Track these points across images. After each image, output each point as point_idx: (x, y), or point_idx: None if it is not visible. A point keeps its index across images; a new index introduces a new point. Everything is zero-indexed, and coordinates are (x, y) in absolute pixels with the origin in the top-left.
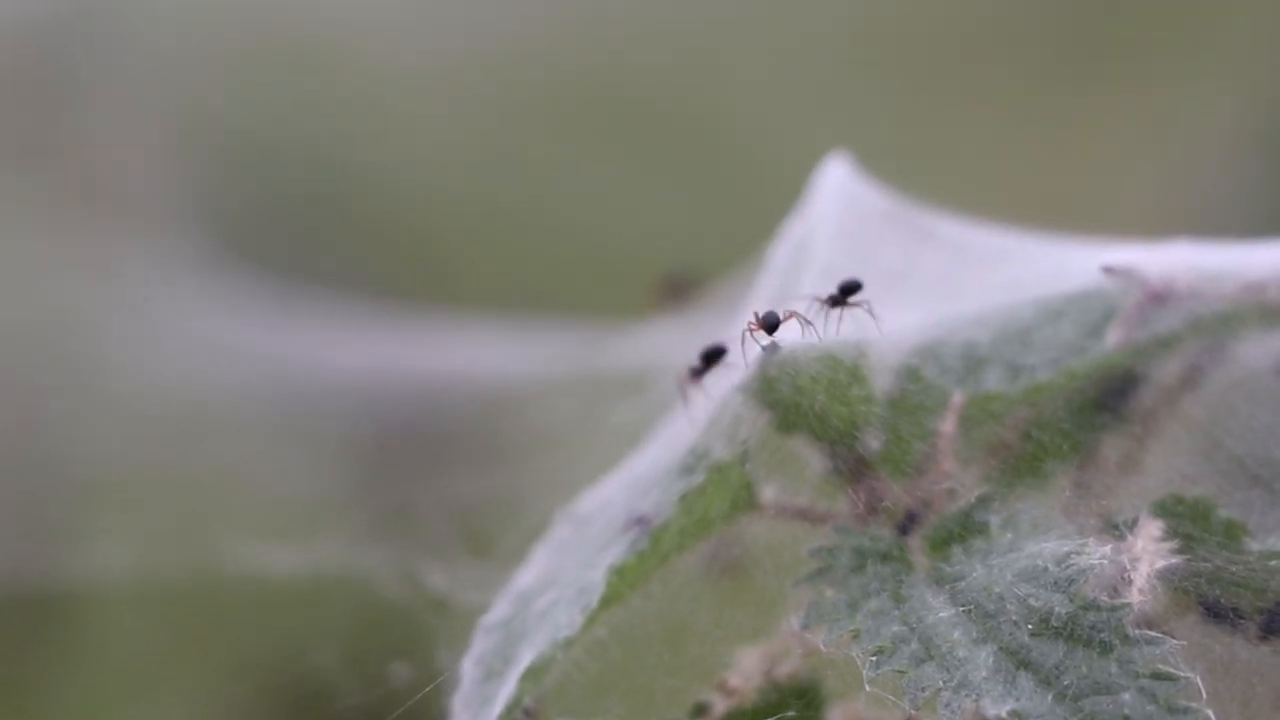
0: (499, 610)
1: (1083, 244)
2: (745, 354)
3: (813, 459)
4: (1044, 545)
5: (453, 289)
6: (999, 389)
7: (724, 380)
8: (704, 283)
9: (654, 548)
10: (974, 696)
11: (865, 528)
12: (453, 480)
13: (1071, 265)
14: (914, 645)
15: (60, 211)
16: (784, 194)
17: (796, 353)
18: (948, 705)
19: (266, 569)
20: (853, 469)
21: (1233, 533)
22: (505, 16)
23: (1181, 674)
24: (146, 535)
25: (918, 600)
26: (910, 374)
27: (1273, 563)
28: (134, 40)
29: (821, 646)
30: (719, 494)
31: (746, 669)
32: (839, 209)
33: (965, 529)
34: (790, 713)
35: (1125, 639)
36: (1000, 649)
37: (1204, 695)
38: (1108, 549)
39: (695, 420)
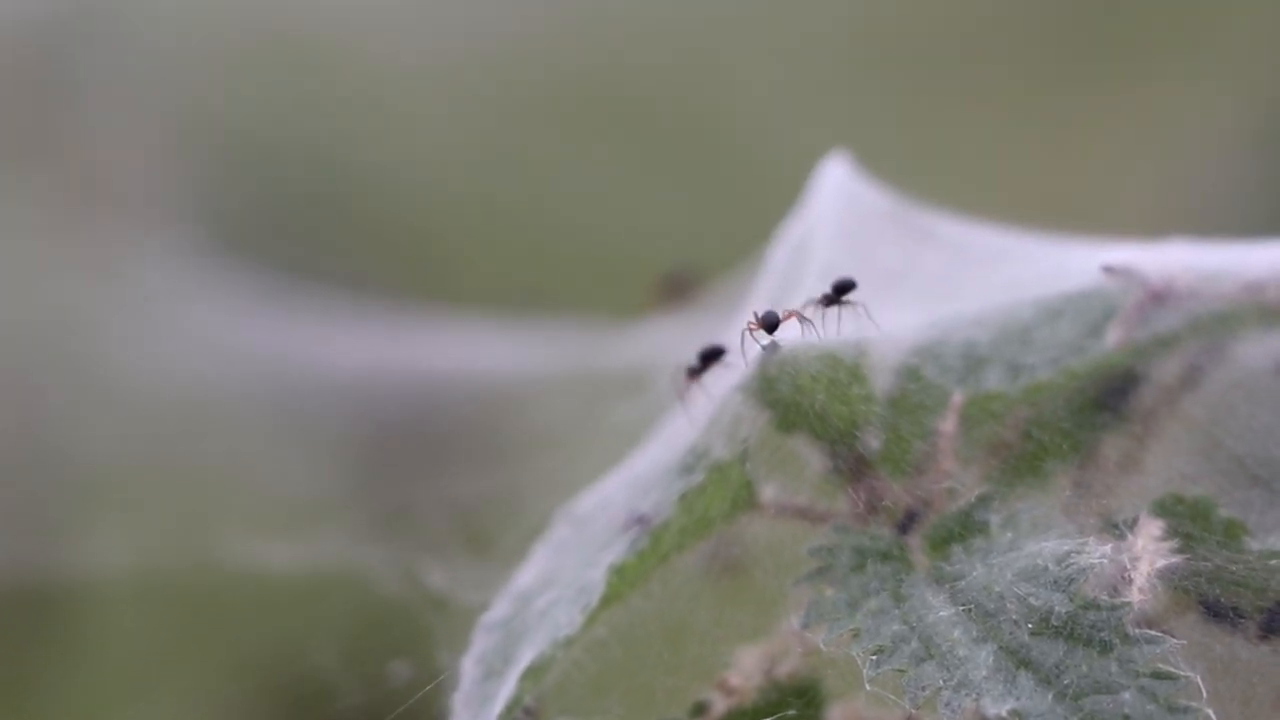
0: (499, 609)
1: (1082, 244)
2: (745, 353)
3: (813, 458)
4: (1044, 544)
5: (453, 288)
6: (999, 388)
7: (724, 379)
8: (704, 282)
9: (654, 547)
10: (974, 695)
11: (865, 527)
12: (452, 479)
13: (1071, 265)
14: (914, 644)
15: (60, 210)
16: (784, 194)
17: (797, 352)
18: (948, 704)
19: (266, 567)
20: (853, 468)
21: (1232, 532)
22: (505, 16)
23: (1182, 673)
24: (146, 533)
25: (918, 599)
26: (910, 373)
27: (1273, 562)
28: (134, 40)
29: (821, 645)
30: (719, 493)
31: (746, 668)
32: (839, 208)
33: (965, 528)
34: (790, 712)
35: (1125, 638)
36: (1000, 648)
37: (1204, 694)
38: (1108, 548)
39: (695, 419)
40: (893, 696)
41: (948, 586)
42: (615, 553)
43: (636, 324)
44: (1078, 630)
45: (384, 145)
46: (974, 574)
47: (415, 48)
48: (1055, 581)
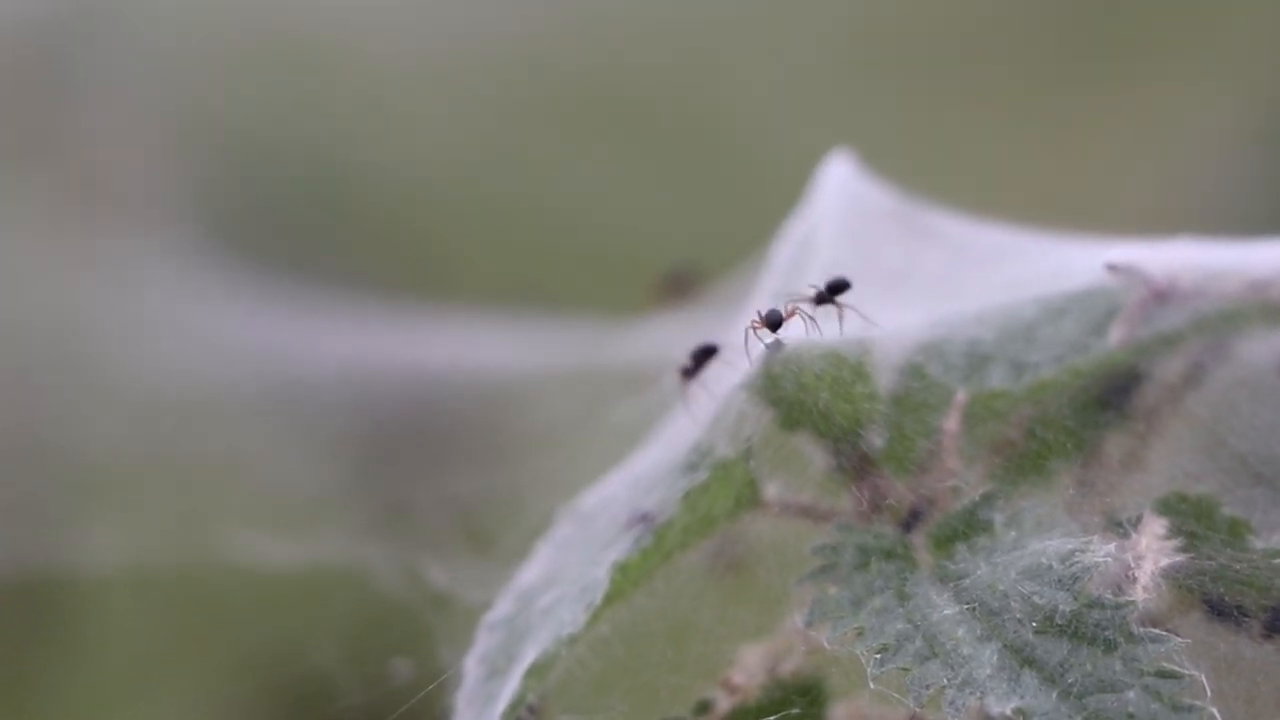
0: (502, 607)
1: (1085, 242)
2: (749, 351)
3: (816, 456)
4: (1048, 543)
5: (453, 287)
6: (1003, 386)
7: (727, 378)
8: (705, 280)
9: (658, 545)
10: (978, 694)
11: (869, 525)
12: (453, 477)
13: (1074, 263)
14: (918, 643)
15: (60, 209)
16: (784, 193)
17: (800, 350)
18: (952, 703)
19: (267, 565)
20: (857, 466)
21: (1236, 531)
22: (505, 16)
23: (1186, 672)
24: (147, 531)
25: (922, 598)
26: (914, 371)
27: (1276, 561)
28: (134, 40)
29: (825, 644)
30: (723, 491)
31: (750, 666)
32: (842, 207)
33: (969, 526)
34: (794, 710)
35: (1129, 637)
36: (1004, 646)
37: (1208, 693)
38: (1112, 547)
39: (698, 417)
40: (897, 695)
41: (952, 585)
42: (619, 550)
43: (638, 322)
44: (1082, 629)
45: (384, 144)
46: (978, 572)
47: (415, 48)
48: (1059, 580)
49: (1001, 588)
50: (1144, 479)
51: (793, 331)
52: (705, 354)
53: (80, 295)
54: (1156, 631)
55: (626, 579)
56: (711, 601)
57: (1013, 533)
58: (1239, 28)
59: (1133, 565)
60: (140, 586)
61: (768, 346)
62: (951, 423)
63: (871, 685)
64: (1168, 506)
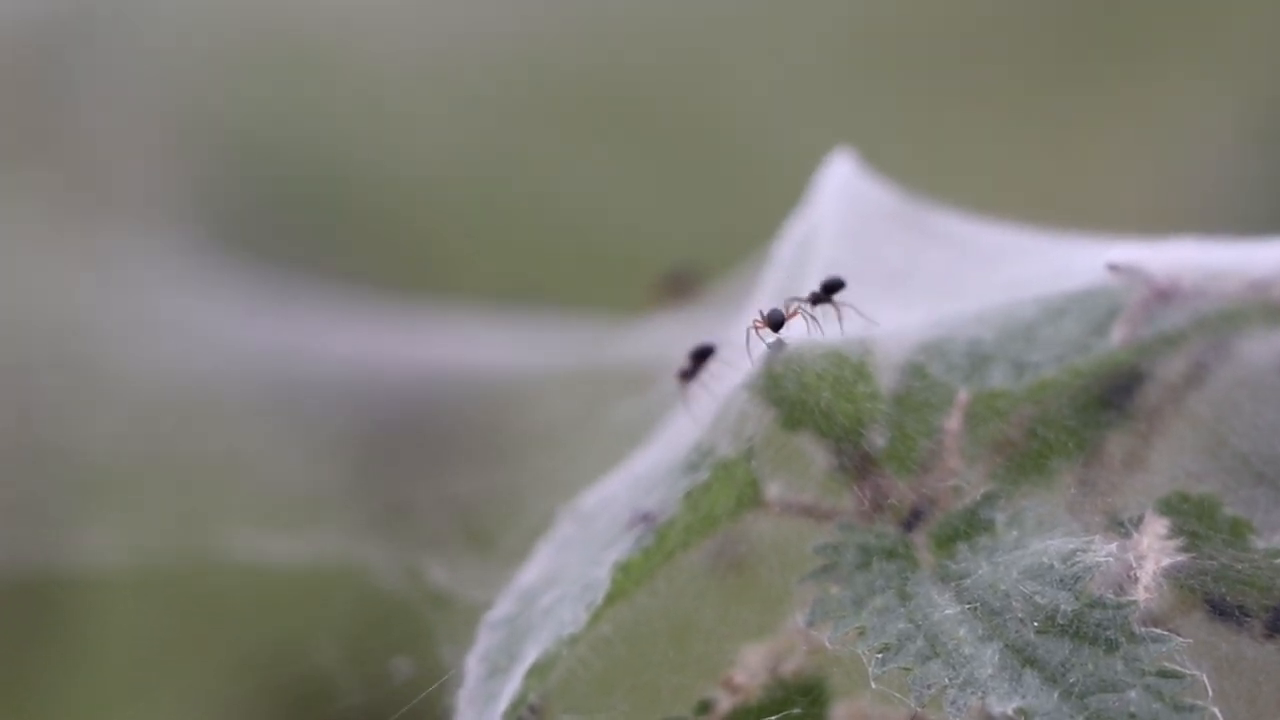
0: (503, 607)
1: (1087, 242)
2: (750, 351)
3: (818, 456)
4: (1049, 542)
5: (454, 287)
6: (1004, 386)
7: (728, 377)
8: (705, 280)
9: (659, 544)
10: (980, 694)
11: (871, 525)
12: (454, 477)
13: (1076, 263)
14: (919, 642)
15: (60, 209)
16: (785, 193)
17: (802, 350)
18: (953, 702)
19: (267, 564)
20: (858, 466)
21: (1238, 530)
22: (505, 17)
23: (1187, 672)
24: (147, 531)
25: (923, 597)
26: (916, 371)
27: (1278, 560)
28: (134, 40)
29: (827, 643)
30: (724, 491)
31: (752, 666)
32: (843, 206)
33: (971, 526)
34: (795, 710)
35: (1131, 636)
36: (1006, 646)
37: (1210, 693)
38: (1113, 546)
39: (699, 417)
40: (898, 694)
41: (953, 584)
42: (620, 550)
43: (638, 322)
44: (1083, 628)
45: (384, 144)
46: (979, 572)
47: (415, 48)
48: (1061, 579)
49: (1003, 587)
50: (1146, 478)
51: (794, 331)
52: (703, 355)
53: (80, 294)
54: (1158, 631)
55: (628, 578)
56: (713, 601)
57: (1014, 532)
58: (1239, 28)
59: (1134, 565)
60: (140, 586)
61: (770, 346)
62: (953, 422)
63: (873, 685)
64: (1169, 506)
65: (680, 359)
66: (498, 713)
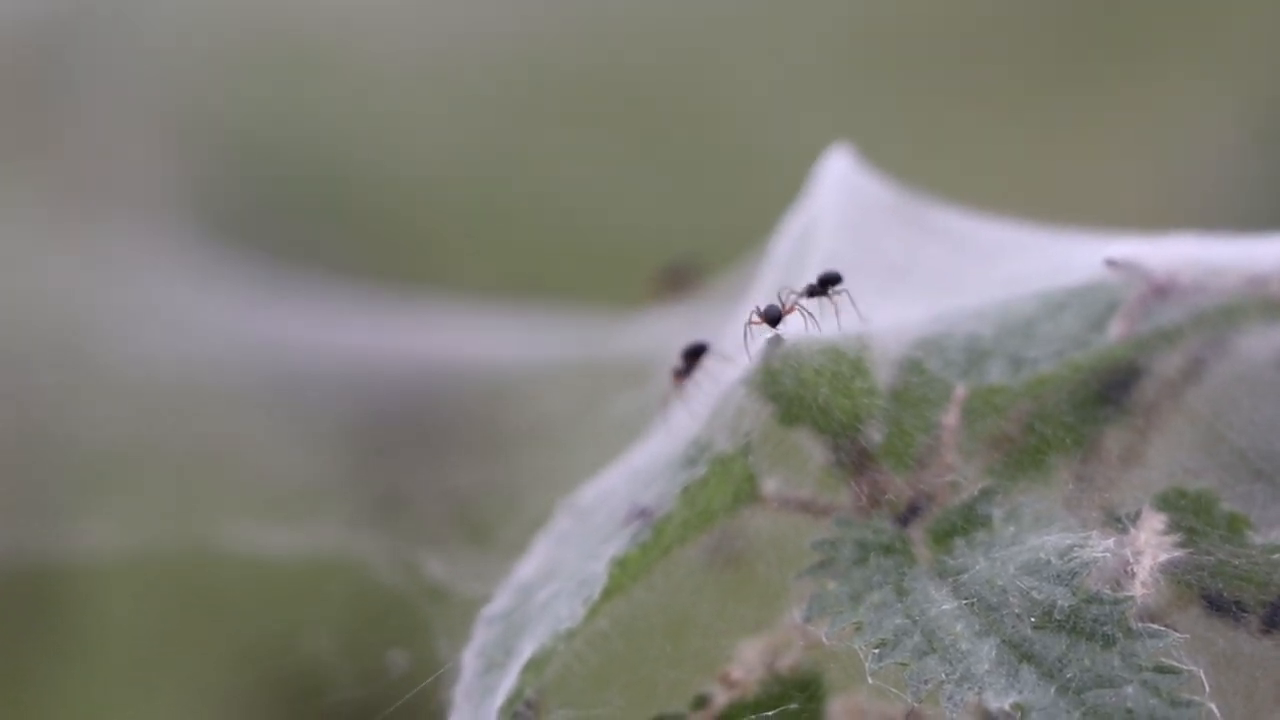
0: (500, 602)
1: (1085, 237)
2: (748, 347)
3: (815, 451)
4: (1046, 538)
5: (454, 282)
6: (1001, 382)
7: (726, 373)
8: (703, 274)
9: (656, 540)
10: (976, 689)
11: (868, 520)
12: (452, 470)
13: (1074, 258)
14: (916, 638)
15: (60, 204)
16: (784, 192)
17: (800, 345)
18: (950, 698)
19: (264, 557)
20: (855, 461)
21: (1235, 526)
22: (505, 16)
23: (1184, 667)
24: (144, 523)
25: (920, 593)
26: (913, 366)
27: (1275, 556)
28: (134, 40)
29: (824, 639)
30: (721, 486)
31: (748, 661)
32: (842, 201)
33: (968, 522)
34: (792, 705)
35: (1128, 632)
36: (1003, 642)
37: (1207, 689)
38: (1110, 542)
39: (695, 414)
40: (895, 690)
41: (950, 580)
42: (617, 545)
43: (637, 316)
44: (1080, 624)
45: (383, 143)
46: (976, 567)
47: (415, 47)
48: (1058, 575)
49: (1000, 583)
50: (1143, 474)
51: (792, 327)
52: (696, 353)
53: (80, 288)
54: (1155, 627)
55: (625, 574)
56: (710, 596)
57: (1011, 528)
58: (1239, 28)
59: (1131, 560)
60: (138, 577)
61: (767, 342)
62: (950, 418)
63: (870, 680)
64: (1167, 502)
65: (674, 360)
66: (494, 707)
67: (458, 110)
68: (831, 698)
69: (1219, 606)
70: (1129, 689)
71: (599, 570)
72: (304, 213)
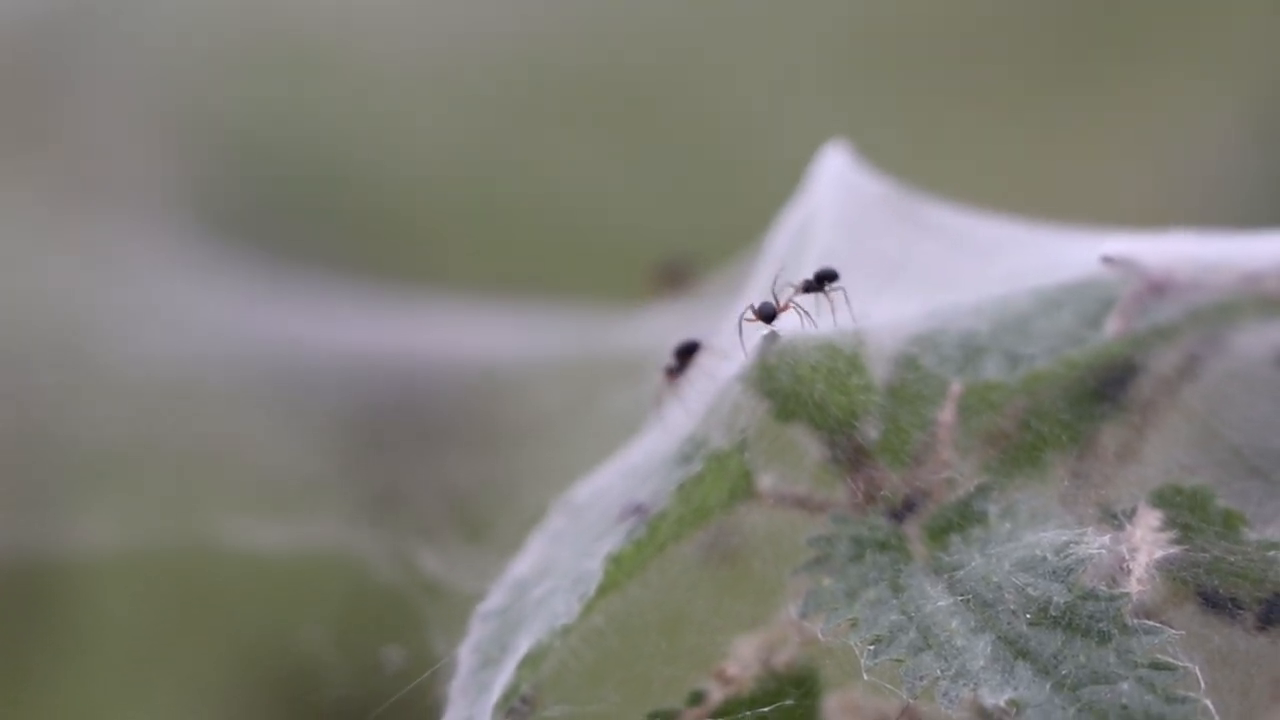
0: (496, 598)
1: (1081, 234)
2: (743, 344)
3: (811, 448)
4: (1042, 535)
5: (453, 280)
6: (998, 378)
7: (720, 370)
8: (700, 270)
9: (652, 536)
10: (972, 685)
11: (864, 517)
12: (448, 466)
13: (1070, 255)
14: (912, 634)
15: (59, 201)
16: (784, 191)
17: (796, 342)
18: (945, 694)
19: (261, 552)
20: (851, 458)
21: (1231, 523)
22: (505, 16)
23: (1180, 664)
24: (142, 519)
25: (916, 589)
26: (909, 363)
27: (1270, 553)
28: (133, 37)
29: (819, 635)
30: (717, 483)
31: (744, 657)
32: (839, 197)
33: (964, 518)
34: (788, 701)
35: (1124, 628)
36: (998, 638)
37: (1202, 685)
38: (1106, 538)
39: (691, 408)
40: (890, 686)
41: (946, 576)
42: (613, 542)
43: (633, 313)
44: (1076, 620)
45: (383, 141)
46: (972, 564)
47: (415, 47)
48: (1053, 571)
49: (996, 579)
50: (1139, 471)
51: (788, 323)
52: (688, 351)
53: (78, 285)
54: (1150, 623)
55: (620, 570)
56: (706, 593)
57: (1007, 524)
58: (1239, 28)
59: (1127, 557)
60: (135, 573)
61: (763, 338)
62: (946, 414)
63: (865, 676)
64: (1162, 499)
65: (667, 358)
66: (490, 704)
67: (458, 110)
68: (827, 694)
69: (1214, 603)
70: (1124, 685)
71: (594, 567)
72: (304, 212)
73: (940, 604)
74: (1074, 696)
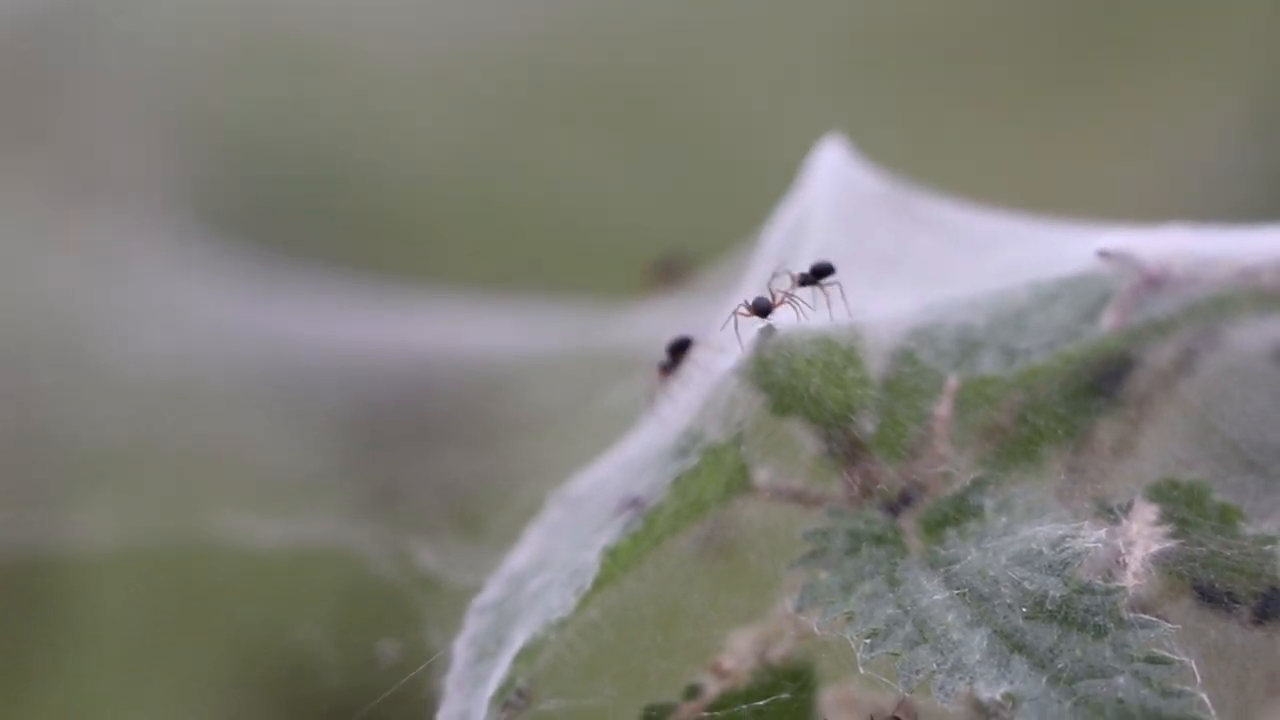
0: (492, 591)
1: (1078, 229)
2: (738, 339)
3: (808, 441)
4: (1038, 529)
5: (452, 277)
6: (994, 372)
7: (719, 364)
8: (697, 266)
9: (648, 530)
10: (968, 679)
11: (860, 510)
12: (446, 462)
13: (1067, 250)
14: (908, 628)
15: (58, 200)
16: (784, 191)
17: (792, 335)
18: (941, 688)
19: (258, 547)
20: (847, 452)
21: (1227, 517)
22: (504, 15)
23: (1176, 658)
24: (139, 515)
25: (912, 583)
26: (905, 357)
27: (1267, 547)
28: (132, 35)
29: (815, 629)
30: (713, 476)
31: (740, 651)
32: (835, 192)
33: (960, 512)
34: (784, 695)
35: (1120, 622)
36: (994, 632)
37: (1198, 679)
38: (1102, 532)
39: (687, 404)
40: (886, 680)
41: (942, 570)
42: (609, 535)
43: (630, 308)
44: (1072, 614)
45: (383, 141)
46: (968, 558)
47: (415, 47)
48: (1050, 566)
49: (992, 573)
50: (1135, 465)
51: (784, 317)
52: (681, 348)
53: (77, 283)
54: (1147, 617)
55: (616, 563)
56: (702, 586)
57: (1003, 518)
58: (1239, 28)
59: (1123, 551)
60: (132, 570)
61: (760, 332)
62: (943, 408)
63: (861, 670)
64: (1159, 493)
65: (660, 355)
66: (485, 697)
67: (458, 110)
68: (823, 688)
69: (1211, 597)
70: (1120, 679)
71: (591, 560)
72: (304, 212)
73: (936, 598)
74: (1070, 690)
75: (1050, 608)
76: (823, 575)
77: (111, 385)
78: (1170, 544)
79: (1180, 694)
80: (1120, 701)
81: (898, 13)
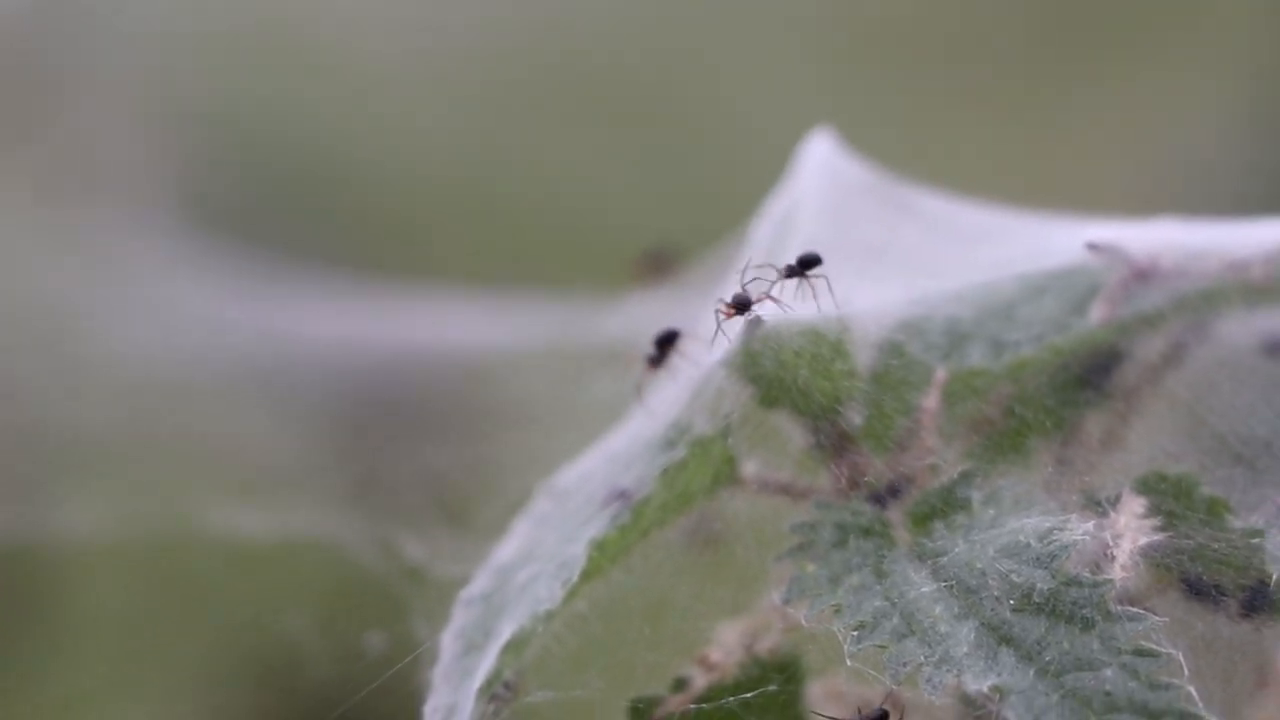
0: (479, 583)
1: (1067, 221)
2: (720, 333)
3: (795, 434)
4: (1026, 521)
5: (439, 270)
6: (982, 365)
7: (704, 356)
8: (685, 258)
9: (635, 522)
10: (955, 672)
11: (847, 503)
12: (432, 452)
13: (1056, 242)
14: (895, 620)
15: (48, 193)
16: (775, 182)
17: (779, 327)
18: (929, 680)
19: (246, 539)
20: (835, 444)
21: (1215, 510)
22: (505, 16)
23: (1163, 650)
24: (129, 507)
25: (899, 575)
26: (893, 349)
27: (1254, 540)
28: (132, 37)
29: (803, 621)
30: (701, 468)
31: (727, 644)
32: (823, 184)
33: (947, 504)
34: (771, 687)
35: (1107, 615)
36: (982, 624)
37: (1185, 672)
38: (1090, 525)
39: (674, 396)
40: (874, 672)
41: (929, 563)
42: (596, 527)
43: (618, 300)
44: (1059, 607)
45: (382, 140)
46: (956, 550)
47: (415, 47)
48: (1037, 558)
49: (979, 565)
50: (1123, 458)
51: (767, 309)
52: (668, 340)
53: (66, 276)
54: (1134, 610)
55: (604, 556)
56: (689, 579)
57: (991, 511)
58: (1239, 27)
59: (1111, 544)
60: (120, 563)
61: (747, 323)
62: (930, 400)
63: (849, 663)
64: (1147, 485)
65: (647, 345)
66: (473, 689)
67: (457, 110)
68: (810, 680)
69: (1198, 590)
70: (1108, 672)
71: (578, 552)
72: (302, 211)
73: (924, 590)
74: (1057, 683)
75: (1038, 600)
76: (810, 567)
77: (103, 380)
78: (1158, 537)
79: (1168, 686)
80: (1108, 694)
81: (897, 12)
